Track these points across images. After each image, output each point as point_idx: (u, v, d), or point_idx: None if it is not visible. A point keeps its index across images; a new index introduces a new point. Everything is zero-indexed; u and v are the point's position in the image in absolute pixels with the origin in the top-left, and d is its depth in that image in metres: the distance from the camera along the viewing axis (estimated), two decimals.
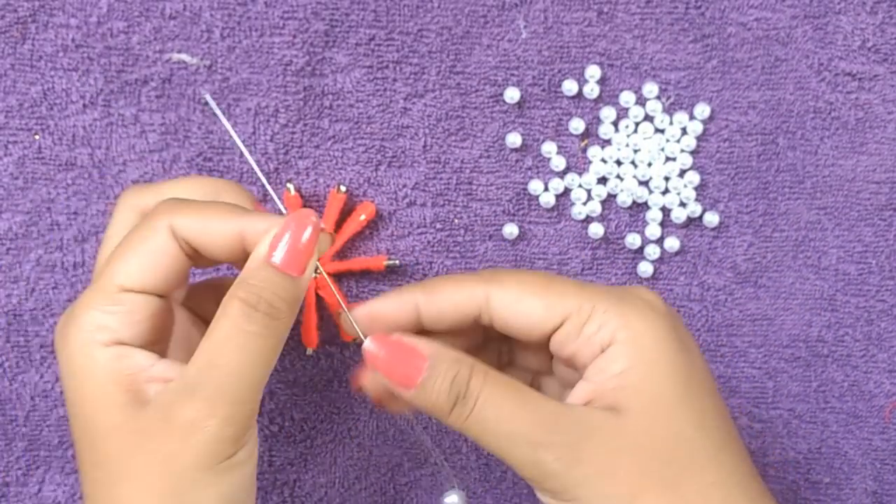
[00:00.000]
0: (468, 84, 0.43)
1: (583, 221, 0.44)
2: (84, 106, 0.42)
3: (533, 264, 0.44)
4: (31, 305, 0.43)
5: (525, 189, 0.44)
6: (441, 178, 0.44)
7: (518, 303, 0.31)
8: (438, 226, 0.44)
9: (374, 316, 0.33)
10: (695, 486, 0.29)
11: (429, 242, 0.44)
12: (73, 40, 0.41)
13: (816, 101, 0.44)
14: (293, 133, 0.43)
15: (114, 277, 0.31)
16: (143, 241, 0.31)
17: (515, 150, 0.44)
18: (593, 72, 0.43)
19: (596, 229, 0.44)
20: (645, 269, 0.44)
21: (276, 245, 0.31)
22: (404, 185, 0.44)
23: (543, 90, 0.43)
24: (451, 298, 0.32)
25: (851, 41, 0.44)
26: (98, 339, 0.30)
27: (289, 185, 0.42)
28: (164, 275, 0.31)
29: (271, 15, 0.42)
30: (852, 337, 0.45)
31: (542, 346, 0.33)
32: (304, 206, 0.42)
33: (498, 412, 0.30)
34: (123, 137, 0.42)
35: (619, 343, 0.30)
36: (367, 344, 0.32)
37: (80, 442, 0.31)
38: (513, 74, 0.43)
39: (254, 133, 0.43)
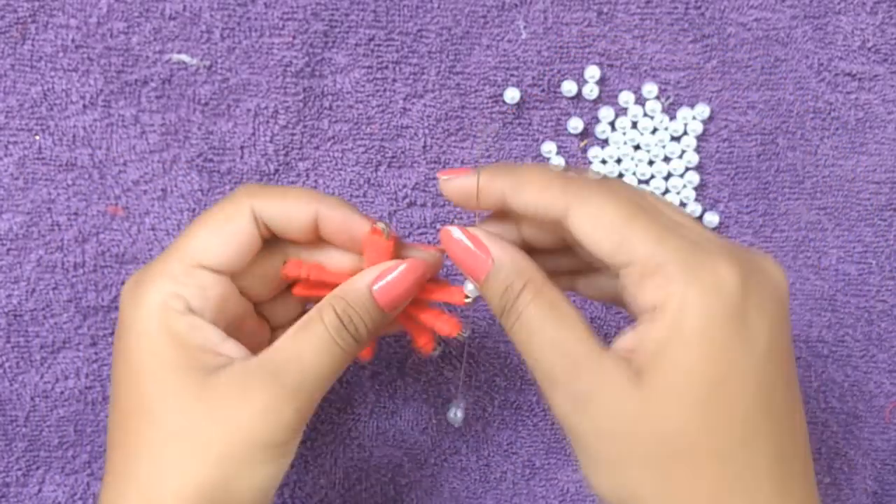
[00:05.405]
0: (468, 84, 0.43)
1: None
2: (84, 106, 0.42)
3: None
4: (31, 306, 0.43)
5: None
6: None
7: (592, 231, 0.30)
8: (438, 226, 0.44)
9: (468, 190, 0.33)
10: (686, 477, 0.29)
11: (429, 243, 0.44)
12: (73, 41, 0.41)
13: (816, 101, 0.44)
14: (293, 134, 0.43)
15: (194, 253, 0.33)
16: (225, 222, 0.33)
17: (515, 149, 0.44)
18: (593, 72, 0.43)
19: None
20: None
21: (383, 277, 0.33)
22: (404, 186, 0.44)
23: (543, 91, 0.43)
24: (533, 202, 0.31)
25: (851, 41, 0.44)
26: (173, 306, 0.32)
27: (380, 224, 0.34)
28: (241, 256, 0.34)
29: (271, 16, 0.42)
30: (852, 337, 0.45)
31: None
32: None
33: (531, 337, 0.30)
34: (123, 138, 0.42)
35: (665, 312, 0.28)
36: (454, 231, 0.33)
37: (129, 399, 0.32)
38: (512, 75, 0.43)
39: (253, 134, 0.43)
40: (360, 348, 0.34)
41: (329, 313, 0.33)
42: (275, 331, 0.38)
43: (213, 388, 0.31)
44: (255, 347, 0.36)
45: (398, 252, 0.35)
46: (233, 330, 0.34)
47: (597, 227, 0.30)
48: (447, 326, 0.35)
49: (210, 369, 0.32)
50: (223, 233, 0.33)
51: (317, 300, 0.35)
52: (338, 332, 0.32)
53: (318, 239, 0.35)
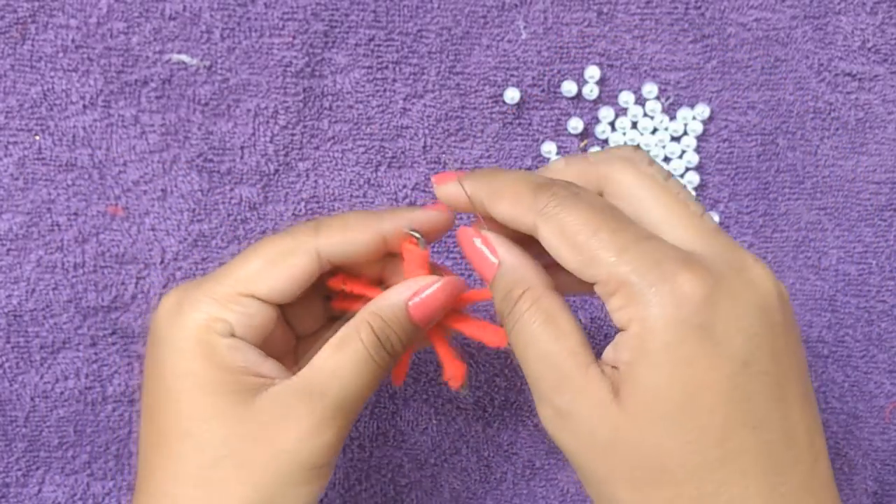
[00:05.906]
0: (468, 84, 0.43)
1: None
2: (84, 106, 0.42)
3: None
4: (31, 306, 0.43)
5: None
6: None
7: (559, 247, 0.30)
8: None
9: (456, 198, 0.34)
10: (667, 498, 0.28)
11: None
12: (73, 41, 0.41)
13: (816, 101, 0.44)
14: (293, 134, 0.43)
15: (246, 282, 0.33)
16: (287, 258, 0.33)
17: (515, 149, 0.44)
18: (593, 72, 0.43)
19: None
20: None
21: (419, 294, 0.33)
22: (404, 186, 0.44)
23: (543, 91, 0.43)
24: (506, 215, 0.31)
25: (851, 41, 0.44)
26: (215, 329, 0.32)
27: (415, 233, 0.34)
28: (294, 290, 0.33)
29: (271, 16, 0.42)
30: (852, 337, 0.45)
31: None
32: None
33: (526, 346, 0.31)
34: (123, 138, 0.42)
35: (630, 333, 0.28)
36: (468, 231, 0.33)
37: (166, 419, 0.32)
38: (512, 75, 0.43)
39: (253, 134, 0.43)
40: (393, 363, 0.34)
41: (366, 330, 0.33)
42: (299, 339, 0.38)
43: (256, 412, 0.31)
44: (280, 356, 0.35)
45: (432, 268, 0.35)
46: (267, 348, 0.34)
47: (562, 243, 0.30)
48: (496, 337, 0.34)
49: (251, 391, 0.32)
50: (281, 266, 0.33)
51: (352, 314, 0.35)
52: (375, 349, 0.33)
53: (384, 256, 0.35)
